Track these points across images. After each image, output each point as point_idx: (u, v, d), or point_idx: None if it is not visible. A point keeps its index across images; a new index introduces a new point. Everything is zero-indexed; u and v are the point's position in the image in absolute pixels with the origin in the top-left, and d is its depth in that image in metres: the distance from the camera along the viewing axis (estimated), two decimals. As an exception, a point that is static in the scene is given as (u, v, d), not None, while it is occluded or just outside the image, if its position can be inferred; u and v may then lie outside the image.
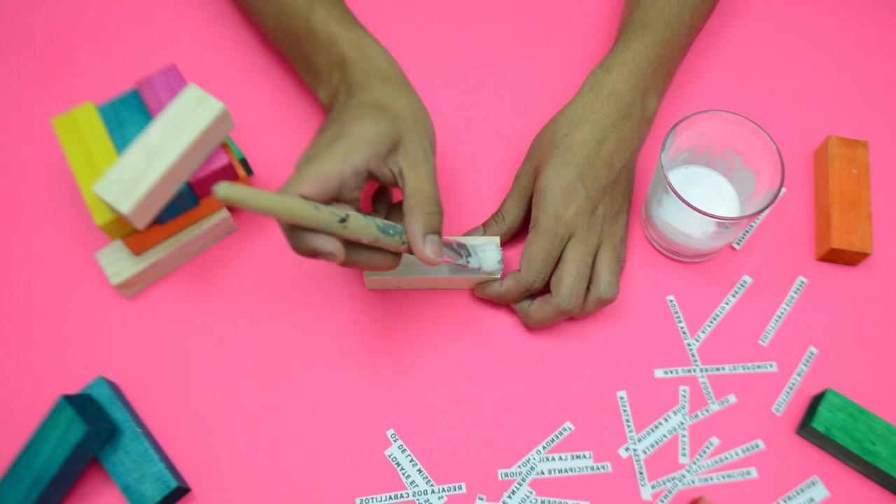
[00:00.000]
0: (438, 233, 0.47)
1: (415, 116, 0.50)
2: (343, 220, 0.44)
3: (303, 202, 0.43)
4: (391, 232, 0.46)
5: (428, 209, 0.47)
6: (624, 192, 0.58)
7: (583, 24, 0.68)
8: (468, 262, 0.53)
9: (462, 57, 0.67)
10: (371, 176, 0.47)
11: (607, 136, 0.55)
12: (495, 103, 0.65)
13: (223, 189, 0.39)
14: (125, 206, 0.49)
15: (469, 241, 0.56)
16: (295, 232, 0.44)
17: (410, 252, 0.48)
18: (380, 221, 0.46)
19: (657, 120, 0.64)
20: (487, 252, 0.56)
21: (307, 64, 0.56)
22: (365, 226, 0.45)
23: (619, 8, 0.69)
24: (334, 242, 0.44)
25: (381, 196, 0.53)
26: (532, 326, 0.56)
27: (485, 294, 0.56)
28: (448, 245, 0.52)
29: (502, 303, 0.57)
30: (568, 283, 0.53)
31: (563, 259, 0.54)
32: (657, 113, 0.62)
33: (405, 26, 0.68)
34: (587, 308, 0.55)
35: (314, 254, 0.44)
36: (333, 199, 0.46)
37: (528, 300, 0.56)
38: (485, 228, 0.58)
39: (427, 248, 0.47)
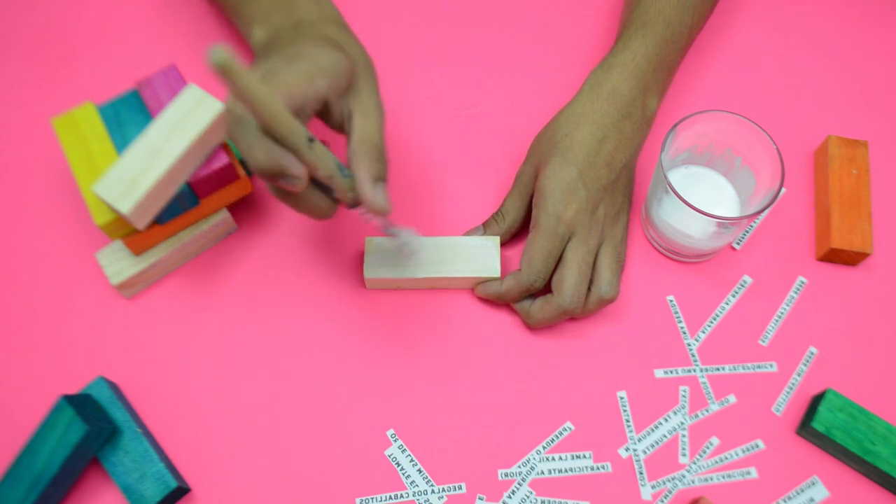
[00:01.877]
0: (384, 181, 0.46)
1: (367, 63, 0.49)
2: (311, 141, 0.41)
3: (283, 105, 0.39)
4: (345, 173, 0.45)
5: (375, 156, 0.46)
6: (624, 191, 0.58)
7: (583, 24, 0.68)
8: (397, 235, 0.51)
9: (462, 57, 0.67)
10: (321, 111, 0.46)
11: (608, 136, 0.55)
12: (495, 103, 0.65)
13: (220, 54, 0.35)
14: (125, 207, 0.49)
15: (467, 239, 0.56)
16: (263, 142, 0.40)
17: (353, 205, 0.46)
18: (336, 159, 0.44)
19: (657, 120, 0.64)
20: (487, 255, 0.56)
21: (243, 7, 0.54)
22: (327, 156, 0.43)
23: (619, 8, 0.69)
24: (301, 166, 0.42)
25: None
26: (533, 326, 0.56)
27: (485, 293, 0.56)
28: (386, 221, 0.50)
29: (503, 302, 0.57)
30: (570, 283, 0.53)
31: (564, 259, 0.54)
32: (657, 113, 0.62)
33: (405, 26, 0.68)
34: (588, 308, 0.55)
35: (278, 172, 0.41)
36: None
37: (529, 300, 0.56)
38: (485, 228, 0.58)
39: (377, 194, 0.46)
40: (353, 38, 0.51)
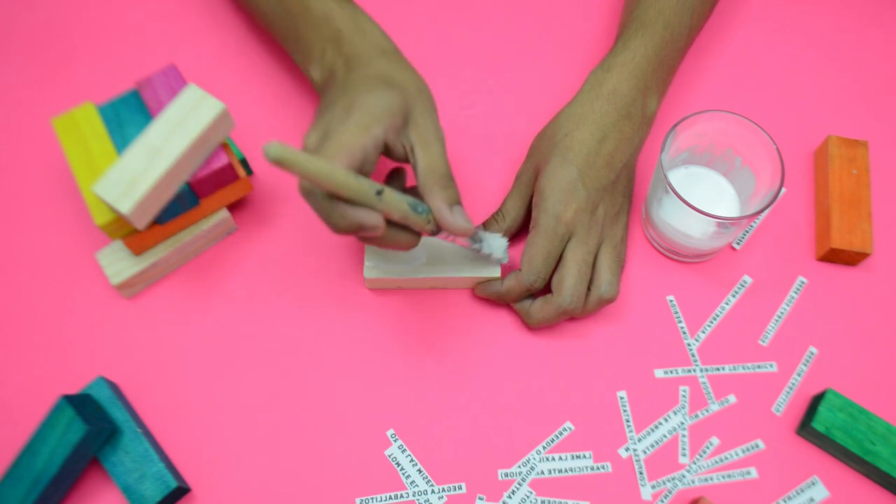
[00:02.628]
0: (459, 204, 0.48)
1: (420, 90, 0.50)
2: (379, 193, 0.43)
3: (344, 171, 0.42)
4: (419, 209, 0.46)
5: (445, 184, 0.47)
6: (624, 191, 0.58)
7: (583, 24, 0.68)
8: (480, 248, 0.53)
9: (462, 57, 0.67)
10: (385, 150, 0.47)
11: (608, 136, 0.55)
12: (495, 103, 0.65)
13: (274, 148, 0.38)
14: (125, 207, 0.49)
15: (478, 230, 0.56)
16: (335, 206, 0.43)
17: (433, 233, 0.48)
18: (409, 198, 0.46)
19: (657, 120, 0.64)
20: (495, 240, 0.56)
21: (299, 41, 0.55)
22: (398, 200, 0.45)
23: (619, 8, 0.69)
24: (376, 215, 0.44)
25: (395, 177, 0.52)
26: (533, 326, 0.56)
27: (485, 293, 0.56)
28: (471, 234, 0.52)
29: (503, 302, 0.57)
30: (569, 284, 0.53)
31: (563, 259, 0.54)
32: (657, 113, 0.62)
33: (406, 26, 0.68)
34: (588, 308, 0.55)
35: (357, 228, 0.44)
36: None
37: (529, 300, 0.56)
38: (485, 227, 0.58)
39: (457, 218, 0.47)
40: (403, 67, 0.51)
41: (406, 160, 0.49)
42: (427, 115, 0.49)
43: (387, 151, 0.48)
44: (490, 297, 0.56)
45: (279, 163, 0.39)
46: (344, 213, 0.43)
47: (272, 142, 0.38)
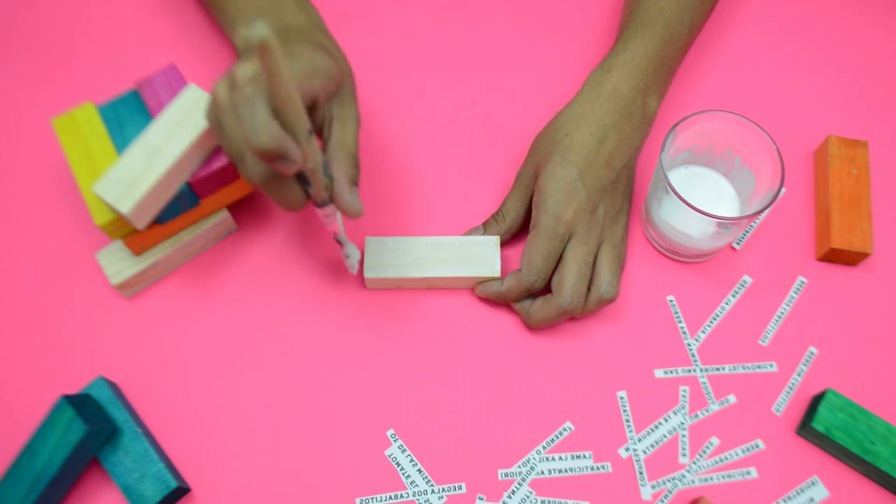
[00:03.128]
0: (357, 185, 0.49)
1: (350, 74, 0.51)
2: (310, 133, 0.43)
3: (297, 92, 0.41)
4: (326, 173, 0.47)
5: (352, 162, 0.49)
6: (624, 191, 0.58)
7: (583, 24, 0.68)
8: (345, 252, 0.54)
9: (462, 57, 0.67)
10: (308, 111, 0.47)
11: (608, 136, 0.55)
12: (495, 103, 0.65)
13: (261, 28, 0.36)
14: (125, 207, 0.49)
15: (467, 239, 0.56)
16: (272, 124, 0.41)
17: (322, 203, 0.48)
18: (324, 158, 0.46)
19: (657, 120, 0.64)
20: (487, 254, 0.56)
21: (229, 5, 0.55)
22: (318, 151, 0.45)
23: (619, 8, 0.69)
24: (300, 152, 0.43)
25: None
26: (533, 326, 0.56)
27: (485, 294, 0.56)
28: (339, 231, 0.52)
29: (503, 302, 0.57)
30: (569, 284, 0.53)
31: (563, 259, 0.54)
32: (657, 113, 0.62)
33: (405, 26, 0.68)
34: (588, 308, 0.55)
35: (278, 155, 0.41)
36: None
37: (529, 300, 0.56)
38: (485, 228, 0.58)
39: (354, 196, 0.48)
40: (338, 49, 0.53)
41: (319, 132, 0.49)
42: (352, 97, 0.50)
43: (308, 112, 0.48)
44: (490, 297, 0.56)
45: (264, 47, 0.36)
46: (277, 131, 0.41)
47: (260, 21, 0.36)
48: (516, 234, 0.59)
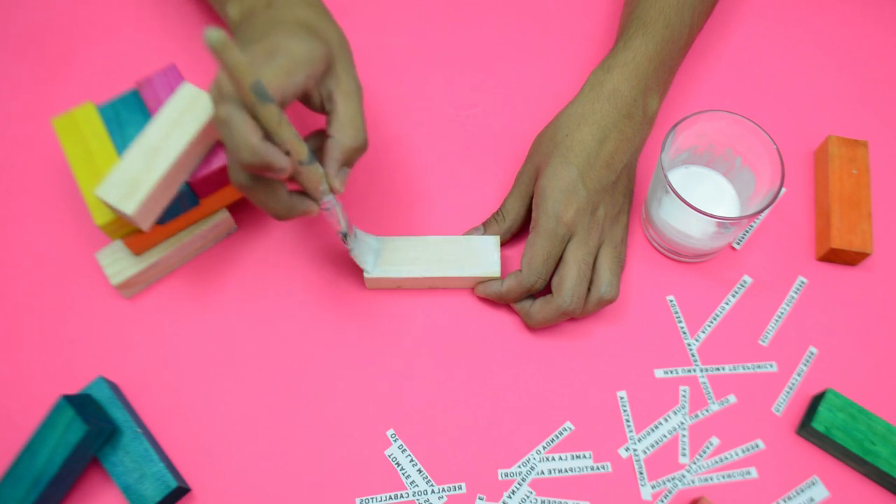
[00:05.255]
0: (351, 167, 0.48)
1: (341, 44, 0.50)
2: (279, 122, 0.42)
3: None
4: (312, 162, 0.46)
5: (355, 142, 0.47)
6: (624, 192, 0.58)
7: (583, 25, 0.68)
8: (348, 244, 0.52)
9: (462, 57, 0.67)
10: (303, 98, 0.47)
11: (608, 136, 0.55)
12: (496, 103, 0.65)
13: (214, 33, 0.36)
14: (129, 208, 0.49)
15: (467, 239, 0.56)
16: (249, 137, 0.41)
17: (323, 195, 0.47)
18: (308, 146, 0.46)
19: (657, 120, 0.64)
20: (487, 254, 0.56)
21: None
22: (300, 145, 0.44)
23: (620, 8, 0.69)
24: (286, 159, 0.43)
25: (314, 137, 0.51)
26: (533, 327, 0.56)
27: (485, 294, 0.56)
28: (346, 221, 0.51)
29: (503, 302, 0.57)
30: (569, 285, 0.53)
31: (564, 260, 0.54)
32: (658, 113, 0.62)
33: (405, 26, 0.68)
34: (588, 308, 0.55)
35: (263, 167, 0.42)
36: None
37: (529, 300, 0.56)
38: (485, 228, 0.58)
39: (338, 177, 0.47)
40: (326, 17, 0.51)
41: (322, 110, 0.49)
42: (347, 68, 0.49)
43: (304, 99, 0.48)
44: (490, 297, 0.56)
45: (217, 50, 0.37)
46: (258, 146, 0.41)
47: (213, 27, 0.37)
48: (516, 233, 0.59)
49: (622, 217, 0.58)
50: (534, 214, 0.55)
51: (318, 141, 0.50)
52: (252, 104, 0.41)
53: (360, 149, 0.48)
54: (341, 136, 0.47)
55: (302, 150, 0.44)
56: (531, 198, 0.57)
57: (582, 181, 0.54)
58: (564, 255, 0.54)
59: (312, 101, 0.48)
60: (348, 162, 0.48)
